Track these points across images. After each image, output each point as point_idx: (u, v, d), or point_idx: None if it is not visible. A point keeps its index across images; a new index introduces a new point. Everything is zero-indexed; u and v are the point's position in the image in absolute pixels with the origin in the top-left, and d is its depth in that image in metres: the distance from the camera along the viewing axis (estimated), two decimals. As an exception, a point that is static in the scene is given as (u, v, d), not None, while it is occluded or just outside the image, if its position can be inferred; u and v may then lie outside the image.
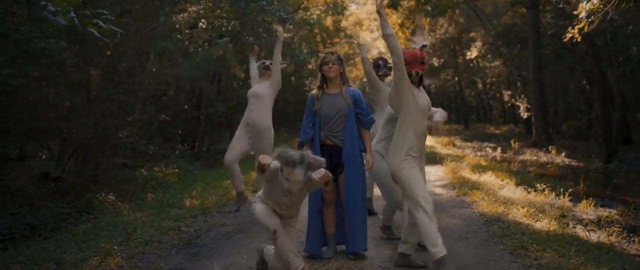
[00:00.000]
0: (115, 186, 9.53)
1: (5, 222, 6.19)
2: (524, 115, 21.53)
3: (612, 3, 7.20)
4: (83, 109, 8.38)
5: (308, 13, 24.44)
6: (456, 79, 36.42)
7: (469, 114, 41.64)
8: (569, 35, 7.89)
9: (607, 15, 7.45)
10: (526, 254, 5.15)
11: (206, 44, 13.49)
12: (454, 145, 21.23)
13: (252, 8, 11.21)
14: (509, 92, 27.45)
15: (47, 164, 10.65)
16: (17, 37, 5.59)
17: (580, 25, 7.64)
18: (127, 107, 10.73)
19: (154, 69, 12.20)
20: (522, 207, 7.28)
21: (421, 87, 4.52)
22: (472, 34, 26.42)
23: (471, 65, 33.10)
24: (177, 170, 11.55)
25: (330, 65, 4.90)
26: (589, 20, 7.44)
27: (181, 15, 12.50)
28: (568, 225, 6.64)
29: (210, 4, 11.90)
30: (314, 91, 5.07)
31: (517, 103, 21.68)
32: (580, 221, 7.04)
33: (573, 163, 15.67)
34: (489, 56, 25.67)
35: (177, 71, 12.51)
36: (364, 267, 4.86)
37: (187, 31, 12.11)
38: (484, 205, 7.55)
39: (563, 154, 16.73)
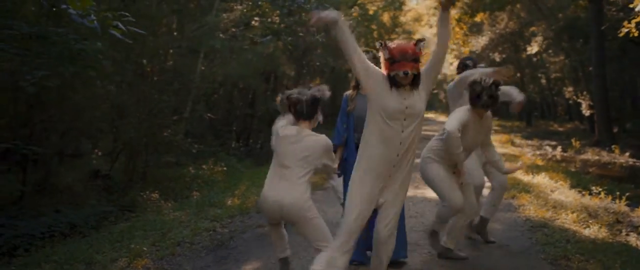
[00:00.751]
0: (162, 184, 9.67)
1: (46, 221, 6.33)
2: (587, 112, 20.67)
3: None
4: (129, 108, 8.51)
5: (352, 12, 24.11)
6: (518, 74, 35.36)
7: (531, 111, 40.34)
8: (624, 30, 7.44)
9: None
10: (568, 264, 4.85)
11: (258, 41, 13.55)
12: (512, 144, 20.58)
13: (291, 8, 11.16)
14: (571, 89, 26.36)
15: (101, 161, 10.95)
16: (55, 38, 5.69)
17: (638, 20, 7.19)
18: (178, 106, 10.87)
19: (203, 68, 12.31)
20: (572, 212, 6.91)
21: (414, 91, 3.71)
22: (533, 29, 25.45)
23: (534, 60, 32.06)
24: (224, 168, 11.62)
25: None
26: (647, 13, 6.98)
27: (228, 14, 12.57)
28: (621, 232, 6.25)
29: (250, 3, 11.90)
30: (349, 91, 4.89)
31: (579, 100, 20.84)
32: (635, 228, 6.61)
33: (638, 163, 14.90)
34: (550, 51, 24.76)
35: (226, 70, 12.58)
36: (392, 274, 4.69)
37: (233, 29, 12.14)
38: (532, 209, 7.21)
39: (627, 153, 15.94)
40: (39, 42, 5.95)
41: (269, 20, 15.40)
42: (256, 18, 14.96)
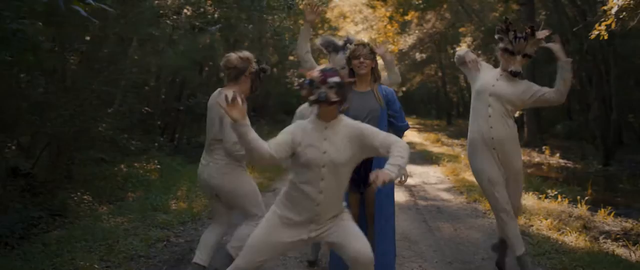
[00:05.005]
0: (92, 184, 8.69)
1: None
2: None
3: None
4: (59, 99, 7.52)
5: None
6: (439, 74, 35.94)
7: (450, 110, 41.26)
8: (595, 33, 7.29)
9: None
10: (574, 279, 4.52)
11: (195, 29, 12.66)
12: (442, 143, 20.66)
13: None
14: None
15: (16, 158, 9.77)
16: (-17, 16, 4.78)
17: (608, 22, 7.03)
18: (108, 98, 9.89)
19: (136, 57, 11.34)
20: (544, 218, 6.67)
21: None
22: (462, 29, 25.82)
23: (453, 60, 32.61)
24: (158, 166, 10.72)
25: (361, 59, 4.07)
26: (621, 16, 6.83)
27: (168, 1, 11.68)
28: (597, 239, 6.05)
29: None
30: None
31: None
32: (608, 234, 6.43)
33: (569, 164, 15.21)
34: (479, 52, 25.15)
35: (161, 59, 11.66)
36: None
37: (174, 17, 11.25)
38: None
39: (557, 154, 16.28)
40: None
41: (201, 9, 14.57)
42: (188, 7, 14.09)
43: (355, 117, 4.11)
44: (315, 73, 3.19)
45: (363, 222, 4.35)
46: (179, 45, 12.01)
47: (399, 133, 4.21)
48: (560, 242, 5.68)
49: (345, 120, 3.27)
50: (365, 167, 4.15)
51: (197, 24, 12.20)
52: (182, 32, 11.94)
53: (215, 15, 15.13)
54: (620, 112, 16.11)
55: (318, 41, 4.73)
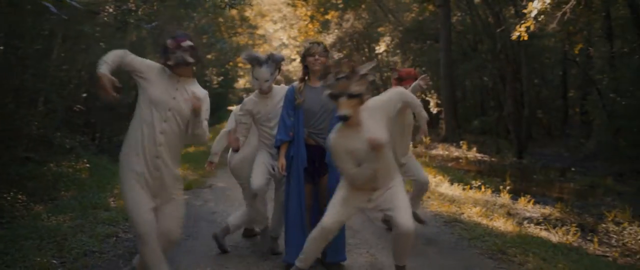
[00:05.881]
0: (21, 183, 8.45)
1: None
2: (434, 110, 21.86)
3: (563, 10, 7.22)
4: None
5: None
6: (359, 73, 36.53)
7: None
8: (516, 34, 7.88)
9: (558, 16, 7.49)
10: (508, 258, 4.94)
11: (124, 26, 12.44)
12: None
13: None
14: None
15: None
16: None
17: (527, 24, 7.61)
18: (36, 95, 9.63)
19: (63, 54, 11.06)
20: (474, 206, 7.17)
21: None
22: (381, 29, 26.63)
23: (375, 59, 33.44)
24: (88, 165, 10.50)
25: (316, 57, 4.36)
26: (539, 19, 7.42)
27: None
28: (522, 224, 6.59)
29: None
30: (296, 83, 4.54)
31: (427, 98, 22.07)
32: (530, 220, 7.01)
33: (485, 158, 16.07)
34: (398, 51, 26.02)
35: (88, 57, 11.39)
36: (344, 277, 4.45)
37: (106, 14, 11.04)
38: (435, 204, 7.36)
39: (474, 149, 17.15)
40: None
41: (124, 7, 14.33)
42: (111, 5, 13.83)
43: (309, 111, 4.39)
44: (168, 41, 3.54)
45: (316, 212, 4.60)
46: (102, 42, 11.76)
47: None
48: (490, 227, 6.15)
49: (195, 86, 3.70)
50: (319, 158, 4.41)
51: (132, 21, 11.98)
52: (112, 30, 11.71)
53: (139, 13, 14.92)
54: (530, 108, 17.16)
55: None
